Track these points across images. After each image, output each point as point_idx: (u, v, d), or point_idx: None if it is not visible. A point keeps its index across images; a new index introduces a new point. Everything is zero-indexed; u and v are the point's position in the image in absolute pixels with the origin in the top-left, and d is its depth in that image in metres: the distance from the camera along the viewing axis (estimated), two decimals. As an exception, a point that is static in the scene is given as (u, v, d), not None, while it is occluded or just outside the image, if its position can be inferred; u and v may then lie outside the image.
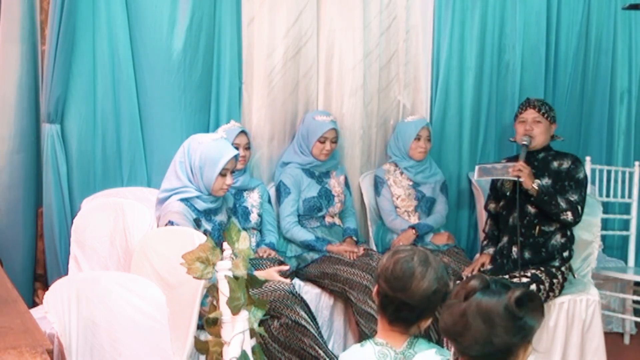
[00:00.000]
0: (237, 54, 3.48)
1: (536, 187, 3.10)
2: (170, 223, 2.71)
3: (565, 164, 3.20)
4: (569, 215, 3.12)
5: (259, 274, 2.88)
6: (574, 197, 3.14)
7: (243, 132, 3.31)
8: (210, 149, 2.82)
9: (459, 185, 4.03)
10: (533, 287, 3.01)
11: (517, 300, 1.44)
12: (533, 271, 3.11)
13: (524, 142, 3.23)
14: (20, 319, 1.93)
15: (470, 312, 1.46)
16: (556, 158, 3.24)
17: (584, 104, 4.35)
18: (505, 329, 1.44)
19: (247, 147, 3.34)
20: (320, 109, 3.69)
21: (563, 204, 3.11)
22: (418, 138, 3.70)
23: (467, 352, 1.49)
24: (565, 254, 3.19)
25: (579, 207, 3.13)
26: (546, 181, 3.17)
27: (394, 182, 3.74)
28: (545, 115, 3.25)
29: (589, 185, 3.92)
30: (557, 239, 3.18)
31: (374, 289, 1.83)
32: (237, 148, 3.16)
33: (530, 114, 3.26)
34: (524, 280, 3.03)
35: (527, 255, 3.17)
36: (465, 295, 1.49)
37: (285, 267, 3.04)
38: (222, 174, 2.82)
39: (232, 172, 2.91)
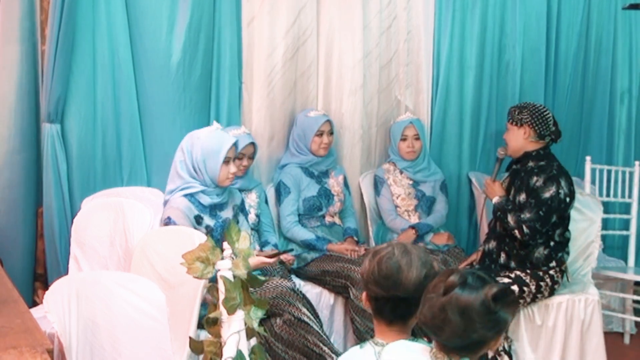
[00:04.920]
0: (237, 54, 3.48)
1: (494, 203, 3.14)
2: (168, 219, 2.71)
3: (539, 182, 3.06)
4: (516, 233, 3.04)
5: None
6: (526, 216, 3.02)
7: (252, 143, 3.28)
8: (210, 140, 2.83)
9: (459, 185, 4.03)
10: (515, 287, 3.00)
11: (493, 296, 1.51)
12: (518, 272, 3.08)
13: (498, 155, 3.28)
14: (20, 319, 1.93)
15: (450, 307, 1.52)
16: (538, 172, 3.07)
17: (584, 104, 4.35)
18: (482, 324, 1.51)
19: (252, 157, 3.32)
20: (319, 109, 3.69)
21: (511, 222, 3.04)
22: (404, 138, 3.70)
23: (446, 344, 1.56)
24: (552, 263, 3.10)
25: (524, 226, 3.00)
26: (523, 197, 3.09)
27: (393, 182, 3.74)
28: (511, 120, 3.12)
29: (588, 185, 3.95)
30: (540, 251, 3.10)
31: (363, 297, 1.81)
32: (241, 158, 3.19)
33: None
34: (506, 280, 3.02)
35: (513, 265, 3.13)
36: (445, 289, 1.54)
37: (289, 257, 3.02)
38: (226, 162, 2.83)
39: (234, 160, 2.91)
